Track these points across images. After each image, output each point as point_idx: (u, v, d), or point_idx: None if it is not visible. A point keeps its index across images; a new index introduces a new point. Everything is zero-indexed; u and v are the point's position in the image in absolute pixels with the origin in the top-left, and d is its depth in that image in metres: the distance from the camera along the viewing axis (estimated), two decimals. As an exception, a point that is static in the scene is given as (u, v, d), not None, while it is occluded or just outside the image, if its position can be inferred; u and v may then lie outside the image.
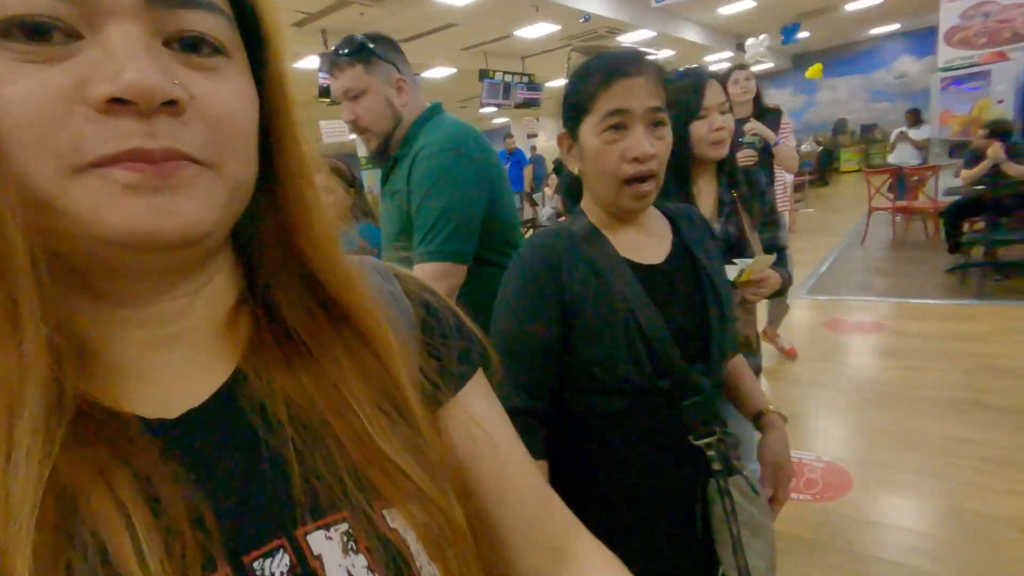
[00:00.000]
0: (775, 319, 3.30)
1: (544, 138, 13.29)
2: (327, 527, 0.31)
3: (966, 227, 4.51)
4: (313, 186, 0.35)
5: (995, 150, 4.13)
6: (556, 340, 0.79)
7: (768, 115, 2.61)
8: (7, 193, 0.24)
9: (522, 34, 8.08)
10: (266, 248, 0.35)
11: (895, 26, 12.33)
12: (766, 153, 2.54)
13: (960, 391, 2.71)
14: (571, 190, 0.90)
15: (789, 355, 3.32)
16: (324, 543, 0.31)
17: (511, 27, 7.72)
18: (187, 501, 0.28)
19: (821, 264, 5.46)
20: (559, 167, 5.13)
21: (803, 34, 11.79)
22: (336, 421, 0.33)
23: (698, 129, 1.34)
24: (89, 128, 0.25)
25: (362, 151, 13.78)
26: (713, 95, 1.34)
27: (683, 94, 1.37)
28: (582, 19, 7.35)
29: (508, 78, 8.88)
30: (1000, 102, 6.12)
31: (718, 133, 1.34)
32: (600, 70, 0.81)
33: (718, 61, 12.47)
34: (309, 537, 0.31)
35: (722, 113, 1.36)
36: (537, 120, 15.00)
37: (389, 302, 0.40)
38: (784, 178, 2.69)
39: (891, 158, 7.11)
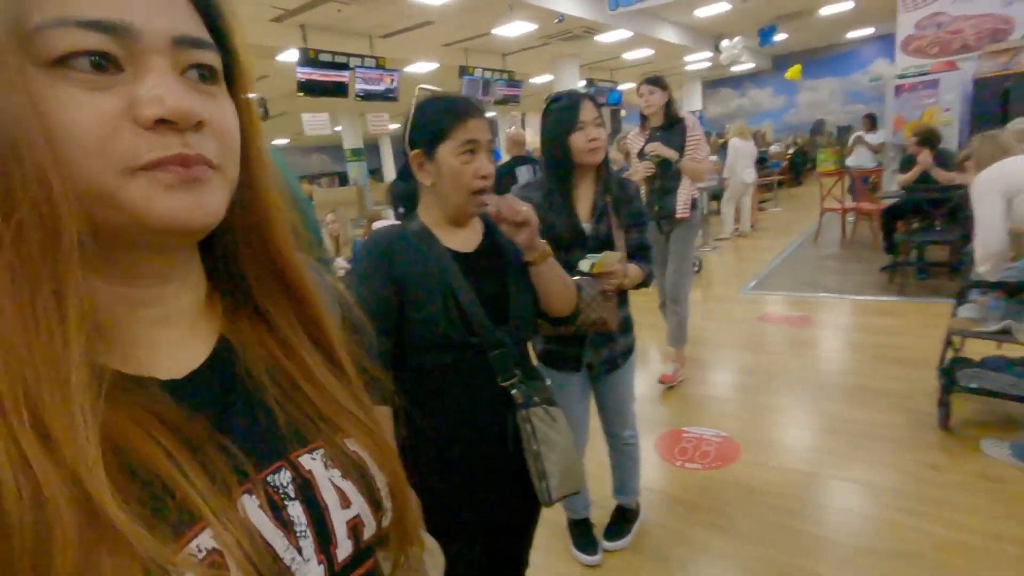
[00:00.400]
0: (675, 339, 3.16)
1: (530, 133, 13.48)
2: (310, 452, 0.42)
3: (902, 228, 4.79)
4: (272, 188, 0.43)
5: (924, 157, 4.41)
6: (388, 306, 1.03)
7: (676, 126, 2.82)
8: (67, 191, 0.30)
9: (500, 32, 8.27)
10: (240, 241, 0.42)
11: (870, 30, 12.61)
12: (670, 165, 2.79)
13: (860, 378, 3.00)
14: (408, 198, 1.15)
15: (662, 380, 3.14)
16: (311, 462, 0.41)
17: (489, 25, 7.91)
18: (210, 437, 0.36)
19: (772, 261, 5.75)
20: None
21: (781, 36, 12.04)
22: (301, 379, 0.43)
23: (576, 141, 1.59)
24: (139, 140, 0.32)
25: (348, 143, 13.92)
26: (587, 112, 1.59)
27: (562, 112, 1.62)
28: (556, 20, 7.55)
29: (488, 75, 9.08)
30: (947, 110, 6.43)
31: (593, 143, 1.59)
32: (458, 108, 1.06)
33: (697, 61, 12.72)
34: (300, 459, 0.41)
35: (597, 126, 1.61)
36: (524, 115, 15.19)
37: (322, 290, 0.49)
38: (688, 185, 2.83)
39: (849, 161, 7.40)
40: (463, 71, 8.65)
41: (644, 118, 2.91)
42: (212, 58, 0.36)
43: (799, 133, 14.52)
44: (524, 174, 3.93)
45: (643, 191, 3.03)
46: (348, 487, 0.42)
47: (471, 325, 1.05)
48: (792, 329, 3.85)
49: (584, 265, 1.52)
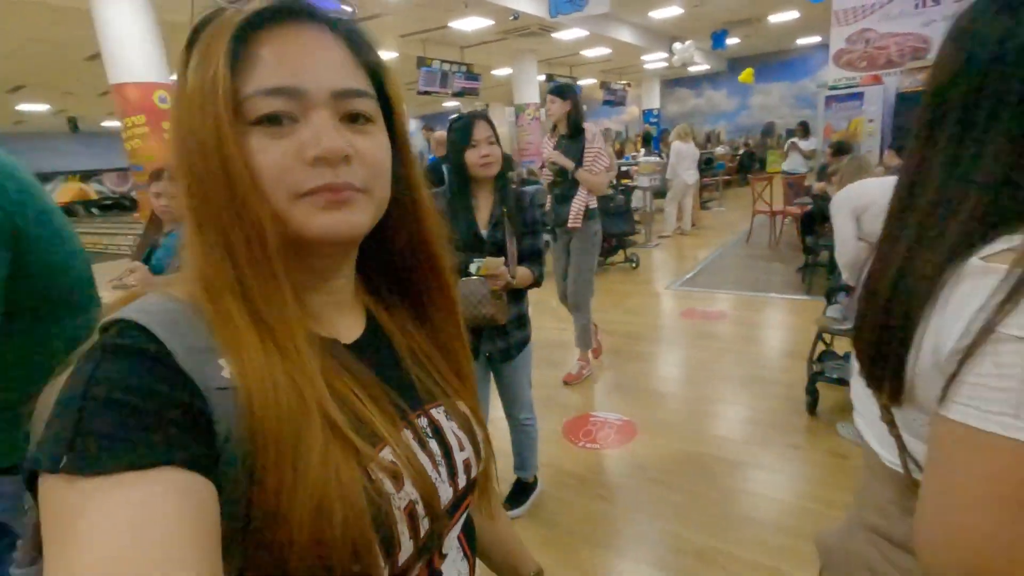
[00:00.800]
0: (579, 343, 3.34)
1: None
2: (436, 407, 0.54)
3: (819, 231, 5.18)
4: (424, 196, 0.54)
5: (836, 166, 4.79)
6: None
7: (579, 136, 2.93)
8: (266, 210, 0.41)
9: (457, 26, 8.37)
10: (400, 241, 0.55)
11: (817, 38, 13.18)
12: (567, 174, 2.97)
13: (756, 369, 3.32)
14: None
15: (565, 380, 3.32)
16: (437, 414, 0.53)
17: (445, 19, 8.01)
18: (378, 385, 0.47)
19: (704, 259, 6.10)
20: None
21: (733, 40, 12.48)
22: (436, 352, 0.57)
23: (470, 156, 1.80)
24: (303, 174, 0.42)
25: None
26: (480, 131, 1.79)
27: (459, 132, 1.82)
28: (512, 16, 7.71)
29: (446, 67, 9.17)
30: (871, 121, 6.90)
31: (485, 159, 1.80)
32: None
33: (654, 61, 13.07)
34: (431, 411, 0.53)
35: (490, 144, 1.81)
36: (487, 106, 15.24)
37: None
38: (583, 195, 2.96)
39: (784, 165, 7.85)
40: (421, 62, 8.72)
41: (554, 126, 3.08)
42: (366, 103, 0.46)
43: (751, 135, 15.09)
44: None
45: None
46: (462, 436, 0.54)
47: None
48: (709, 323, 4.18)
49: (472, 268, 1.74)
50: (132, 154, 5.59)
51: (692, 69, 14.61)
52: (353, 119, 0.45)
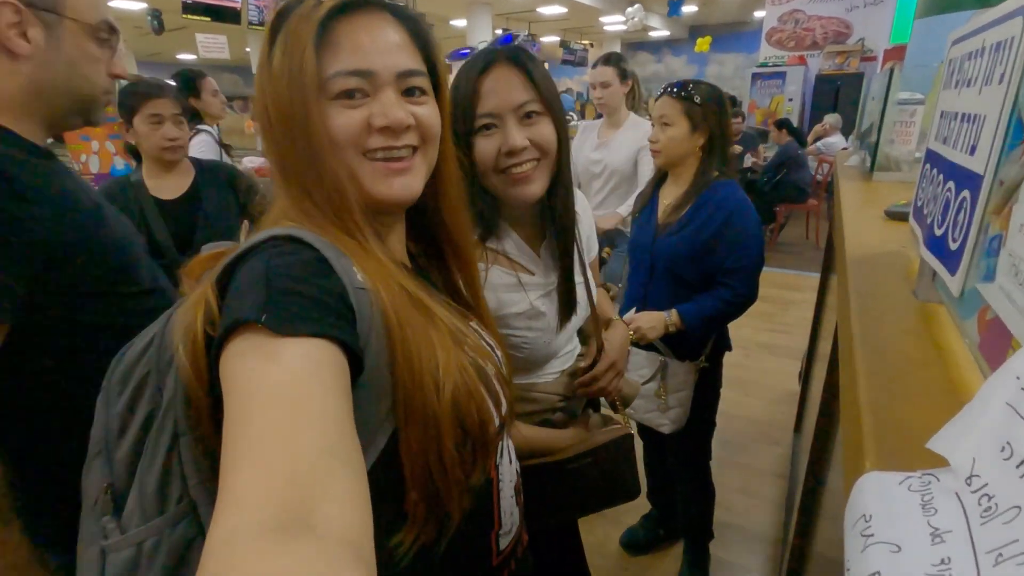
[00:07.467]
0: None
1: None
2: (471, 318, 0.67)
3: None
4: (454, 165, 0.65)
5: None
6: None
7: None
8: (343, 168, 0.53)
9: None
10: (431, 199, 0.64)
11: (772, 12, 13.37)
12: None
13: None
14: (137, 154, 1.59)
15: None
16: (476, 323, 0.67)
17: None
18: (440, 295, 0.62)
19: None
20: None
21: (690, 8, 12.56)
22: (453, 285, 0.69)
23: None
24: (370, 138, 0.54)
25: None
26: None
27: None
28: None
29: (396, 14, 8.97)
30: (791, 100, 7.28)
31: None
32: (141, 90, 1.50)
33: (613, 23, 13.08)
34: (471, 321, 0.67)
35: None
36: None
37: None
38: None
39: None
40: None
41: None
42: (422, 80, 0.57)
43: (705, 104, 15.22)
44: None
45: None
46: (491, 340, 0.68)
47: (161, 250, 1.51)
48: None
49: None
50: None
51: (653, 34, 14.65)
52: (411, 92, 0.56)
